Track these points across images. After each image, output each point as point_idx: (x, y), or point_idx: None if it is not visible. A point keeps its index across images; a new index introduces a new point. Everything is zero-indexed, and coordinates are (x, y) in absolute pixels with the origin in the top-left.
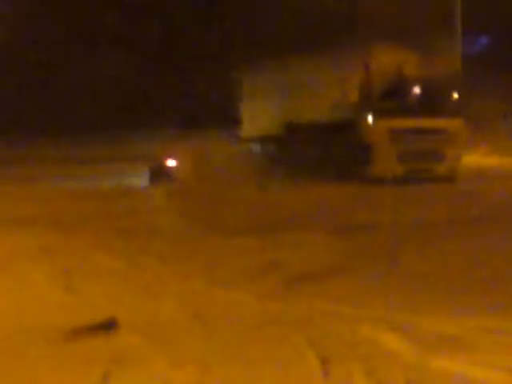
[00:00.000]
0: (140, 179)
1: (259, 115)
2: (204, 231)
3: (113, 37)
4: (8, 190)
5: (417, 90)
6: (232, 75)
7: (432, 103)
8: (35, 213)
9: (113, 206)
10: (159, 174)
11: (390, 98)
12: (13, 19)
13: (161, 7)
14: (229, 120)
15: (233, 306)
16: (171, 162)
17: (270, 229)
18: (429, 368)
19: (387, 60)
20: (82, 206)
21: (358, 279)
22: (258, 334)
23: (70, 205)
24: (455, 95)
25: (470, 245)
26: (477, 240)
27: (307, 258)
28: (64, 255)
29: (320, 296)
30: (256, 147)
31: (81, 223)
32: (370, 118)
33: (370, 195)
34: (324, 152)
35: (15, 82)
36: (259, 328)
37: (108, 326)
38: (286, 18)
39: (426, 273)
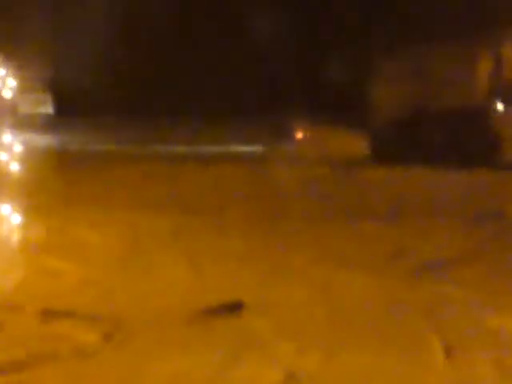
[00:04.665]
0: None
1: (388, 101)
2: (331, 214)
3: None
4: (155, 169)
5: None
6: (363, 61)
7: None
8: (172, 194)
9: (241, 189)
10: None
11: None
12: None
13: None
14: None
15: (360, 292)
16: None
17: (397, 214)
18: None
19: None
20: (214, 189)
21: (488, 267)
22: (384, 320)
23: (201, 187)
24: None
25: None
26: None
27: (436, 245)
28: (192, 238)
29: (448, 283)
30: (383, 133)
31: (209, 206)
32: (500, 106)
33: (500, 183)
34: (453, 139)
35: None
36: (385, 314)
37: (235, 307)
38: (419, 8)
39: None
